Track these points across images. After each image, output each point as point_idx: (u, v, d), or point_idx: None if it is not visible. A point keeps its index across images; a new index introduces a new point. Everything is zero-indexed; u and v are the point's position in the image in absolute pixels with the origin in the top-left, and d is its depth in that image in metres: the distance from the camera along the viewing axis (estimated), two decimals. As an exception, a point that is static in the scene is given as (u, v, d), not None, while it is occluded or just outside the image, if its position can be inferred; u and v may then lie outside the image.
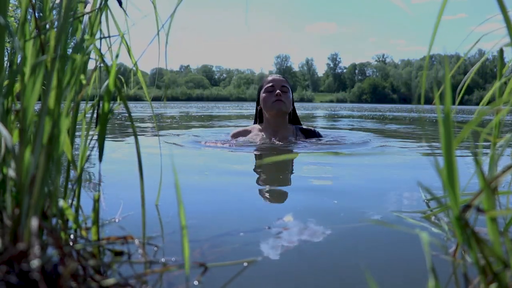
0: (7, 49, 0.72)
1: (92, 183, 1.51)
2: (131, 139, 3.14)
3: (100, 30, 0.87)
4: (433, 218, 1.09)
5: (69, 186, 0.83)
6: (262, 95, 2.88)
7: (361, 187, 1.53)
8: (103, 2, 0.85)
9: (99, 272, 0.67)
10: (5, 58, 0.70)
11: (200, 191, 1.43)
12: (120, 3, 0.91)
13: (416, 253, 0.85)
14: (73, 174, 0.87)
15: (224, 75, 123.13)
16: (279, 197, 1.37)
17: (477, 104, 1.13)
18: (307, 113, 13.08)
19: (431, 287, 0.54)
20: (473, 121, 0.63)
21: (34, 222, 0.57)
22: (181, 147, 2.76)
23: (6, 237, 0.58)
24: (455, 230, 0.56)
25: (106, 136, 0.84)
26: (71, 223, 0.80)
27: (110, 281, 0.61)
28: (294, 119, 3.04)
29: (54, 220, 0.72)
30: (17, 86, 0.77)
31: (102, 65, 0.87)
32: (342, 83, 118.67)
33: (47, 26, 0.77)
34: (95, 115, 0.86)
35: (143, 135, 3.75)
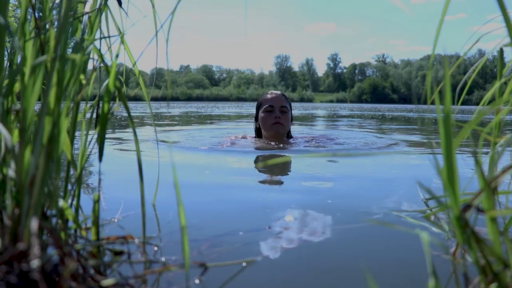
0: (7, 49, 0.72)
1: (92, 183, 1.51)
2: (131, 139, 3.14)
3: (100, 30, 0.87)
4: (432, 217, 1.09)
5: (69, 186, 0.84)
6: (261, 114, 2.89)
7: (361, 187, 1.53)
8: (103, 2, 0.85)
9: (99, 272, 0.67)
10: (5, 58, 0.70)
11: (200, 191, 1.43)
12: (120, 3, 0.91)
13: (416, 253, 0.84)
14: (73, 174, 0.87)
15: (224, 75, 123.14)
16: (279, 197, 1.37)
17: (477, 104, 1.13)
18: (307, 113, 13.08)
19: (431, 287, 0.54)
20: (473, 120, 0.63)
21: (34, 222, 0.57)
22: (180, 146, 2.76)
23: (6, 237, 0.58)
24: (455, 229, 0.56)
25: (106, 136, 0.84)
26: (71, 223, 0.80)
27: (110, 281, 0.61)
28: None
29: (54, 220, 0.72)
30: (17, 86, 0.77)
31: (102, 65, 0.87)
32: (342, 83, 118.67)
33: (47, 26, 0.77)
34: (95, 115, 0.86)
35: (142, 135, 3.75)
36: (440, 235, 0.96)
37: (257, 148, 2.67)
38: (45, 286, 0.51)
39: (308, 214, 1.14)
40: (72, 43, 0.79)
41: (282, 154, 2.42)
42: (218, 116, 9.37)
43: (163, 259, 0.79)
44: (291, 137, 3.08)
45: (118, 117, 6.92)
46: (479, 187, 0.56)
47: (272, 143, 2.79)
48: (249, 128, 4.51)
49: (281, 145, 2.71)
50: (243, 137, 3.17)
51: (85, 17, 0.82)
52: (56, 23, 0.77)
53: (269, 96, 2.91)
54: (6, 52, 0.70)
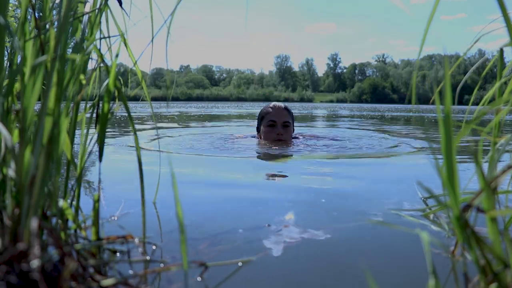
0: (7, 49, 0.72)
1: (92, 183, 1.51)
2: (131, 138, 3.14)
3: (100, 30, 0.87)
4: (432, 216, 1.09)
5: (69, 186, 0.84)
6: (263, 128, 2.90)
7: (361, 187, 1.53)
8: (103, 2, 0.85)
9: (99, 271, 0.67)
10: (5, 58, 0.70)
11: (200, 189, 1.43)
12: (121, 3, 0.91)
13: (415, 251, 0.84)
14: (73, 173, 0.87)
15: (224, 75, 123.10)
16: (279, 195, 1.37)
17: (477, 104, 1.14)
18: (306, 113, 13.08)
19: (431, 286, 0.54)
20: (472, 120, 0.63)
21: (34, 222, 0.57)
22: (180, 146, 2.76)
23: (6, 237, 0.58)
24: (455, 229, 0.56)
25: (105, 135, 0.84)
26: (71, 223, 0.80)
27: (110, 280, 0.61)
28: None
29: (54, 220, 0.72)
30: (17, 86, 0.77)
31: (102, 65, 0.87)
32: (342, 83, 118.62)
33: (47, 26, 0.77)
34: (95, 115, 0.86)
35: (142, 134, 3.75)
36: (440, 234, 0.96)
37: (258, 148, 2.67)
38: (45, 286, 0.51)
39: (308, 212, 1.14)
40: (72, 43, 0.79)
41: (283, 154, 2.42)
42: (218, 116, 9.38)
43: (163, 258, 0.79)
44: (293, 138, 3.08)
45: (117, 117, 6.93)
46: (479, 187, 0.57)
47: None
48: (248, 128, 4.51)
49: (283, 145, 2.72)
50: (245, 136, 3.18)
51: (85, 17, 0.82)
52: (56, 23, 0.77)
53: (271, 110, 2.89)
54: (6, 52, 0.70)
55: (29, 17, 0.77)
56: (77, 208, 0.83)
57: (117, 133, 3.81)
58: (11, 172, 0.62)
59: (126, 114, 0.84)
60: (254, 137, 3.19)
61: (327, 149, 2.71)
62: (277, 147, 2.73)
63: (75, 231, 0.79)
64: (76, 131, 0.86)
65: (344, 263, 0.81)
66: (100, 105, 0.84)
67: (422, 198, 1.29)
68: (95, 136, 0.85)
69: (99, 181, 1.42)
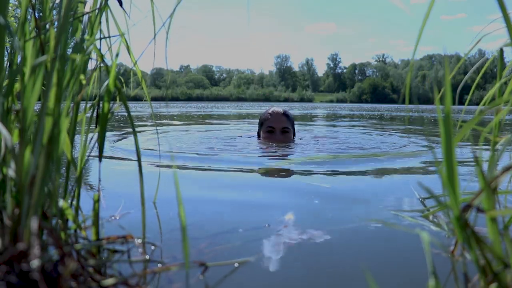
0: (7, 49, 0.72)
1: (92, 183, 1.51)
2: (131, 138, 3.14)
3: (100, 30, 0.87)
4: (431, 217, 1.09)
5: (69, 186, 0.84)
6: (263, 134, 2.91)
7: (361, 188, 1.53)
8: (103, 2, 0.85)
9: (99, 271, 0.67)
10: (5, 58, 0.70)
11: (199, 190, 1.43)
12: (121, 3, 0.91)
13: (415, 252, 0.84)
14: (73, 173, 0.87)
15: (224, 75, 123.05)
16: (279, 196, 1.37)
17: (477, 104, 1.14)
18: (306, 113, 13.08)
19: (431, 287, 0.54)
20: (473, 120, 0.63)
21: (34, 222, 0.57)
22: (180, 146, 2.76)
23: (6, 237, 0.58)
24: (455, 229, 0.56)
25: (105, 135, 0.84)
26: (71, 223, 0.80)
27: (110, 280, 0.61)
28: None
29: (54, 220, 0.72)
30: (17, 86, 0.77)
31: (102, 65, 0.87)
32: (342, 83, 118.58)
33: (47, 26, 0.77)
34: (95, 115, 0.86)
35: (143, 134, 3.75)
36: (440, 234, 0.96)
37: (259, 148, 2.67)
38: (45, 286, 0.51)
39: (308, 213, 1.14)
40: (72, 43, 0.79)
41: (283, 154, 2.42)
42: (218, 116, 9.38)
43: (163, 258, 0.79)
44: (294, 141, 3.08)
45: (117, 117, 6.93)
46: (479, 187, 0.57)
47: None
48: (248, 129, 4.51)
49: (284, 146, 2.72)
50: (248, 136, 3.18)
51: (86, 17, 0.82)
52: (56, 23, 0.77)
53: (270, 116, 2.88)
54: (6, 52, 0.70)
55: (29, 17, 0.77)
56: (77, 208, 0.83)
57: (117, 133, 3.81)
58: (11, 172, 0.62)
59: (126, 114, 0.84)
60: (253, 137, 3.19)
61: (328, 148, 2.71)
62: (277, 146, 2.73)
63: (75, 231, 0.79)
64: (76, 130, 0.86)
65: (344, 263, 0.81)
66: (100, 105, 0.84)
67: (420, 199, 1.29)
68: (95, 136, 0.85)
69: (99, 181, 1.42)
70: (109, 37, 0.89)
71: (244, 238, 0.92)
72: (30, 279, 0.51)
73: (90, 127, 0.87)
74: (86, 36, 0.81)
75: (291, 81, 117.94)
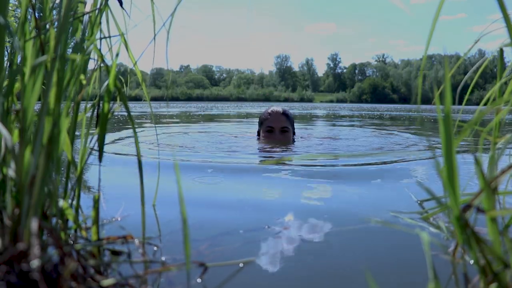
0: (7, 49, 0.72)
1: (92, 183, 1.51)
2: (131, 138, 3.14)
3: (101, 30, 0.87)
4: (431, 219, 1.09)
5: (69, 186, 0.83)
6: (262, 133, 2.92)
7: (361, 188, 1.53)
8: (103, 2, 0.85)
9: (99, 272, 0.67)
10: (5, 58, 0.70)
11: (199, 191, 1.43)
12: (121, 3, 0.91)
13: (415, 253, 0.84)
14: (73, 173, 0.87)
15: (224, 75, 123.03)
16: (278, 196, 1.38)
17: (477, 104, 1.14)
18: (306, 113, 13.08)
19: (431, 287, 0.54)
20: (473, 120, 0.63)
21: (34, 222, 0.57)
22: (180, 147, 2.76)
23: (6, 237, 0.58)
24: (454, 230, 0.56)
25: (105, 135, 0.84)
26: (71, 223, 0.80)
27: (110, 281, 0.61)
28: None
29: (54, 220, 0.72)
30: (17, 86, 0.77)
31: (102, 65, 0.87)
32: (342, 83, 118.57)
33: (47, 26, 0.77)
34: (95, 115, 0.86)
35: (143, 134, 3.75)
36: (440, 235, 0.96)
37: (259, 148, 2.67)
38: (45, 286, 0.51)
39: (307, 214, 1.14)
40: (72, 43, 0.79)
41: (283, 154, 2.42)
42: (218, 116, 9.38)
43: (163, 259, 0.79)
44: (294, 141, 3.08)
45: (116, 117, 6.93)
46: (479, 187, 0.57)
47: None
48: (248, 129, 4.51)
49: (285, 146, 2.72)
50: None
51: (86, 17, 0.82)
52: (56, 23, 0.77)
53: (269, 115, 2.89)
54: (6, 52, 0.70)
55: (29, 17, 0.77)
56: (77, 208, 0.83)
57: (117, 133, 3.81)
58: (11, 172, 0.62)
59: (126, 114, 0.84)
60: (252, 138, 3.19)
61: (329, 148, 2.71)
62: (276, 147, 2.73)
63: (75, 231, 0.79)
64: (76, 130, 0.86)
65: (344, 264, 0.81)
66: (101, 105, 0.84)
67: (418, 201, 1.28)
68: (95, 136, 0.84)
69: (99, 181, 1.42)
70: (109, 37, 0.89)
71: (244, 240, 0.92)
72: (30, 279, 0.51)
73: (90, 127, 0.87)
74: (86, 36, 0.81)
75: (291, 81, 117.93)
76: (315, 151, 2.60)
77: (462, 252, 0.81)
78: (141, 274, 0.70)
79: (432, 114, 12.43)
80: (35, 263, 0.52)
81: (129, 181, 1.59)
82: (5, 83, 0.72)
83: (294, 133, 3.04)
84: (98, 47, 0.87)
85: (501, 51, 0.93)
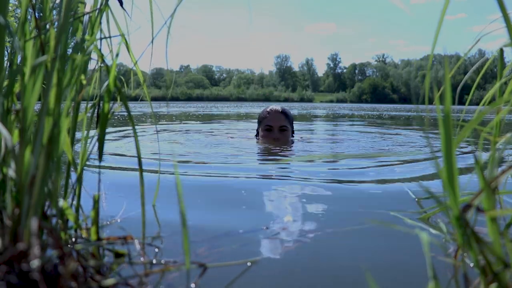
0: (7, 49, 0.72)
1: (92, 183, 1.51)
2: (131, 138, 3.14)
3: (101, 30, 0.87)
4: (431, 219, 1.09)
5: (69, 186, 0.83)
6: (261, 132, 2.92)
7: (361, 189, 1.53)
8: (103, 2, 0.85)
9: (99, 272, 0.67)
10: (5, 58, 0.70)
11: (198, 193, 1.43)
12: (121, 3, 0.91)
13: (415, 253, 0.84)
14: (73, 174, 0.87)
15: (224, 75, 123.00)
16: (277, 198, 1.37)
17: (477, 104, 1.14)
18: (306, 113, 13.08)
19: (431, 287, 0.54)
20: (473, 120, 0.63)
21: (34, 222, 0.57)
22: (180, 145, 2.76)
23: (6, 237, 0.58)
24: (454, 230, 0.56)
25: (105, 135, 0.84)
26: (71, 223, 0.80)
27: (110, 281, 0.61)
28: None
29: (54, 220, 0.72)
30: (17, 86, 0.77)
31: (102, 65, 0.87)
32: (342, 83, 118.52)
33: (47, 26, 0.77)
34: (95, 115, 0.86)
35: (143, 134, 3.74)
36: (439, 235, 0.96)
37: (259, 148, 2.67)
38: (45, 286, 0.51)
39: (307, 215, 1.14)
40: (72, 43, 0.79)
41: (283, 154, 2.42)
42: (218, 116, 9.38)
43: (163, 260, 0.79)
44: (293, 136, 3.09)
45: (116, 117, 6.92)
46: (479, 187, 0.57)
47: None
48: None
49: (284, 146, 2.72)
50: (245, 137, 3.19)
51: (86, 17, 0.82)
52: (56, 23, 0.77)
53: (268, 114, 2.88)
54: (6, 52, 0.70)
55: (29, 17, 0.77)
56: (77, 208, 0.83)
57: (117, 133, 3.81)
58: (11, 172, 0.62)
59: (126, 114, 0.84)
60: (251, 138, 3.20)
61: (328, 148, 2.71)
62: (275, 147, 2.73)
63: (75, 231, 0.79)
64: (76, 130, 0.86)
65: (343, 266, 0.81)
66: (101, 105, 0.84)
67: (416, 200, 1.28)
68: (95, 136, 0.84)
69: (99, 181, 1.42)
70: (109, 37, 0.89)
71: (242, 241, 0.92)
72: (30, 279, 0.51)
73: (91, 127, 0.87)
74: (87, 36, 0.81)
75: (291, 81, 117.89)
76: (315, 151, 2.60)
77: (462, 252, 0.81)
78: (141, 274, 0.70)
79: (432, 114, 12.42)
80: (35, 263, 0.52)
81: (130, 181, 1.59)
82: (5, 83, 0.72)
83: (293, 132, 3.04)
84: (98, 47, 0.87)
85: (501, 51, 0.93)
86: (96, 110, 0.86)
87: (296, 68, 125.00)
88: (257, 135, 3.07)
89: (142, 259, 0.78)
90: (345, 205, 1.26)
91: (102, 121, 0.83)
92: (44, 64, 0.69)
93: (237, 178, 1.73)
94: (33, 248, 0.54)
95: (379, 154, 2.53)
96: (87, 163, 1.45)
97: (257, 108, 18.38)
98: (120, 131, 4.03)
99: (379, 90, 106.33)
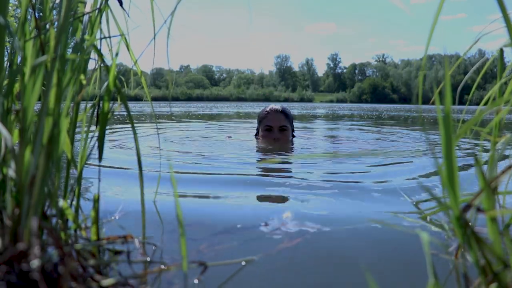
0: (7, 49, 0.72)
1: (92, 183, 1.51)
2: (131, 138, 3.14)
3: (101, 30, 0.87)
4: (432, 218, 1.09)
5: (69, 186, 0.83)
6: (261, 132, 2.91)
7: (361, 188, 1.53)
8: (103, 2, 0.85)
9: (99, 271, 0.67)
10: (5, 58, 0.70)
11: (199, 190, 1.43)
12: (121, 3, 0.91)
13: (415, 252, 0.84)
14: (73, 173, 0.87)
15: (224, 75, 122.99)
16: (277, 195, 1.37)
17: (477, 104, 1.14)
18: (306, 113, 13.08)
19: (431, 287, 0.54)
20: (472, 119, 0.63)
21: (34, 222, 0.57)
22: (180, 146, 2.76)
23: (6, 237, 0.58)
24: (454, 230, 0.56)
25: (105, 135, 0.84)
26: (71, 223, 0.80)
27: (110, 281, 0.61)
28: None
29: (54, 220, 0.72)
30: (17, 86, 0.77)
31: (102, 65, 0.87)
32: (342, 83, 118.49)
33: (47, 26, 0.77)
34: (95, 115, 0.86)
35: (143, 134, 3.74)
36: (440, 235, 0.96)
37: (258, 147, 2.67)
38: (45, 286, 0.51)
39: (307, 214, 1.14)
40: (72, 43, 0.79)
41: (282, 154, 2.42)
42: (218, 115, 9.38)
43: (163, 258, 0.79)
44: (294, 136, 3.09)
45: (116, 117, 6.92)
46: (479, 187, 0.57)
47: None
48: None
49: (283, 147, 2.72)
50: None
51: (86, 17, 0.82)
52: (56, 23, 0.77)
53: (268, 114, 2.87)
54: (6, 52, 0.70)
55: (29, 17, 0.77)
56: (77, 208, 0.83)
57: (117, 133, 3.81)
58: (11, 172, 0.62)
59: (126, 113, 0.84)
60: (250, 140, 3.20)
61: (328, 148, 2.71)
62: (274, 147, 2.74)
63: (75, 231, 0.79)
64: (76, 130, 0.86)
65: (343, 263, 0.81)
66: (101, 105, 0.84)
67: (413, 202, 1.27)
68: (96, 136, 0.84)
69: (99, 181, 1.42)
70: (109, 37, 0.89)
71: (243, 238, 0.92)
72: (30, 279, 0.51)
73: (91, 127, 0.87)
74: (86, 36, 0.81)
75: (291, 81, 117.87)
76: (315, 150, 2.60)
77: (463, 252, 0.81)
78: (141, 274, 0.70)
79: (432, 114, 12.42)
80: (35, 263, 0.52)
81: (130, 180, 1.59)
82: (5, 83, 0.72)
83: (293, 131, 3.03)
84: (98, 47, 0.87)
85: (501, 51, 0.93)
86: (96, 110, 0.86)
87: (296, 68, 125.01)
88: (257, 134, 3.07)
89: (142, 258, 0.78)
90: (344, 203, 1.26)
91: (102, 121, 0.83)
92: (44, 64, 0.69)
93: (238, 175, 1.73)
94: (33, 248, 0.54)
95: (379, 153, 2.53)
96: (87, 162, 1.45)
97: (257, 108, 18.38)
98: (120, 130, 4.03)
99: (379, 90, 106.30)
